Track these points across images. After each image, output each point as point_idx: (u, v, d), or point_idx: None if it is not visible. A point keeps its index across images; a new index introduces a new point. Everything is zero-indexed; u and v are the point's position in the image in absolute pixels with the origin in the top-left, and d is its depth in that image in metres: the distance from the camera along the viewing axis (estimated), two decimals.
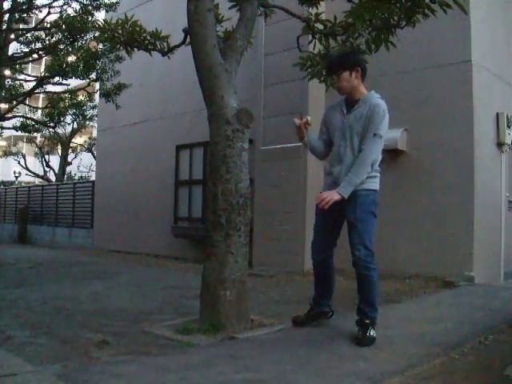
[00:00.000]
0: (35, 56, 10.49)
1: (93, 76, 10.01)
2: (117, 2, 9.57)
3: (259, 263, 7.79)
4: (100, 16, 9.57)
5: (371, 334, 3.30)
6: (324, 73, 5.17)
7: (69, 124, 16.36)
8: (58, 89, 11.17)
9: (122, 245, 11.43)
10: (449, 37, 6.52)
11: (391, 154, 6.93)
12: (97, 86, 11.57)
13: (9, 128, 12.27)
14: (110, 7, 9.49)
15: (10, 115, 11.25)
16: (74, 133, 21.95)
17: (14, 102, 10.87)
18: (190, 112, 9.85)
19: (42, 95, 15.10)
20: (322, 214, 3.47)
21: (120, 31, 5.04)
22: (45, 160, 24.37)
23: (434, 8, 4.34)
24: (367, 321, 3.33)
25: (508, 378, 2.74)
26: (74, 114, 11.91)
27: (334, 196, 3.28)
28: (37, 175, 25.48)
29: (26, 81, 11.05)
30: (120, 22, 5.04)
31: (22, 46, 10.14)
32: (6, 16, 9.58)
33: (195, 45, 4.08)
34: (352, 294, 4.68)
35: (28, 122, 11.92)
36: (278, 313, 4.50)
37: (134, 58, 5.83)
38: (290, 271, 7.05)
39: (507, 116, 6.89)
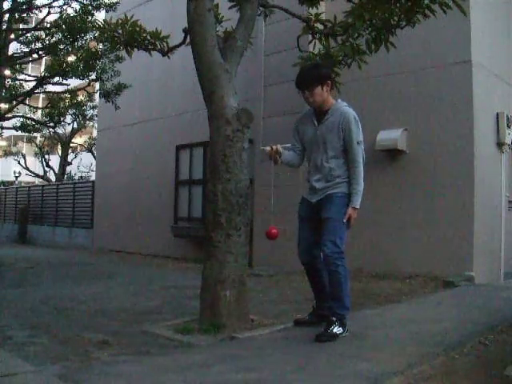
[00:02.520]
0: (35, 56, 10.49)
1: (93, 76, 10.01)
2: (117, 2, 9.57)
3: (259, 263, 7.79)
4: (100, 16, 9.56)
5: (334, 330, 3.35)
6: None
7: (69, 124, 16.38)
8: (58, 89, 11.17)
9: (122, 245, 11.43)
10: (449, 37, 6.51)
11: (391, 154, 6.94)
12: (97, 86, 11.57)
13: (9, 128, 12.27)
14: (110, 7, 9.49)
15: (10, 115, 11.25)
16: (73, 133, 21.96)
17: (14, 102, 10.86)
18: (189, 112, 9.85)
19: (42, 95, 15.09)
20: (304, 217, 3.67)
21: (120, 31, 5.04)
22: (45, 160, 24.37)
23: (433, 8, 4.34)
24: (333, 318, 3.39)
25: (508, 378, 2.74)
26: (73, 114, 11.92)
27: (355, 213, 3.46)
28: (37, 175, 25.48)
29: (26, 81, 11.05)
30: (120, 22, 5.05)
31: (21, 45, 10.14)
32: (6, 16, 9.58)
33: (195, 45, 4.08)
34: (352, 293, 4.67)
35: (28, 122, 11.92)
36: (278, 313, 4.50)
37: (133, 58, 5.83)
38: (290, 271, 7.05)
39: (507, 116, 6.89)
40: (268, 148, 3.55)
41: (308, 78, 3.55)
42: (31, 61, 11.56)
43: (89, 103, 13.29)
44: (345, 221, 3.42)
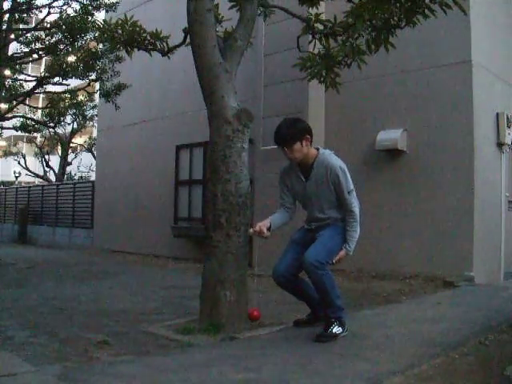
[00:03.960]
0: (35, 56, 10.50)
1: (93, 76, 10.02)
2: (117, 2, 9.57)
3: (259, 263, 7.78)
4: (100, 16, 9.57)
5: (333, 330, 3.35)
6: (324, 73, 5.17)
7: (69, 124, 16.39)
8: (58, 89, 11.17)
9: (122, 245, 11.43)
10: (449, 37, 6.51)
11: (391, 154, 6.94)
12: (97, 86, 11.57)
13: (9, 128, 12.28)
14: (110, 7, 9.50)
15: (10, 115, 11.25)
16: (73, 133, 21.95)
17: (14, 102, 10.86)
18: (189, 112, 9.84)
19: (42, 95, 15.10)
20: (296, 241, 3.66)
21: (120, 31, 5.04)
22: (45, 160, 24.36)
23: (433, 8, 4.34)
24: (331, 319, 3.39)
25: (508, 378, 2.74)
26: (73, 114, 11.93)
27: (344, 256, 3.46)
28: (37, 175, 25.47)
29: (26, 81, 11.05)
30: (120, 22, 5.05)
31: (21, 45, 10.14)
32: (6, 16, 9.58)
33: (195, 45, 4.08)
34: (353, 294, 4.69)
35: (28, 122, 11.92)
36: (278, 313, 4.50)
37: (133, 58, 5.83)
38: None
39: (507, 116, 6.89)
40: (251, 231, 3.54)
41: (286, 136, 3.48)
42: (31, 61, 11.55)
43: (89, 103, 13.29)
44: (334, 261, 3.40)
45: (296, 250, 3.58)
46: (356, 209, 3.46)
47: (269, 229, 3.52)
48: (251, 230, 3.54)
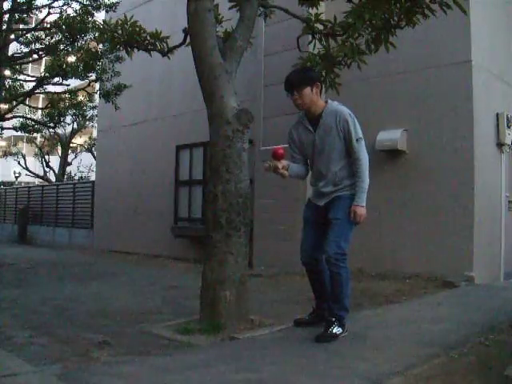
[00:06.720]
0: (35, 56, 10.48)
1: (93, 76, 10.01)
2: (117, 3, 9.56)
3: (259, 263, 7.79)
4: (100, 16, 9.57)
5: (333, 331, 3.35)
6: (324, 73, 5.18)
7: (69, 124, 16.37)
8: (58, 89, 11.16)
9: (122, 245, 11.43)
10: (449, 37, 6.51)
11: (391, 154, 6.94)
12: (97, 86, 11.57)
13: (9, 128, 12.25)
14: (110, 7, 9.49)
15: (9, 115, 11.24)
16: (73, 133, 21.96)
17: (14, 103, 10.85)
18: (190, 112, 9.85)
19: (42, 95, 15.09)
20: (310, 219, 3.64)
21: (120, 31, 5.04)
22: (45, 160, 24.37)
23: (433, 8, 4.35)
24: (332, 318, 3.39)
25: (508, 378, 2.73)
26: (73, 114, 11.91)
27: (362, 211, 3.40)
28: (37, 175, 25.47)
29: (25, 81, 11.04)
30: (120, 22, 5.05)
31: (21, 46, 10.13)
32: (6, 16, 9.58)
33: (195, 45, 4.08)
34: (353, 294, 4.68)
35: (28, 122, 11.90)
36: (278, 313, 4.50)
37: (134, 58, 5.83)
38: (290, 271, 7.05)
39: (507, 116, 6.89)
40: (266, 165, 3.44)
41: (297, 79, 3.57)
42: (31, 61, 11.53)
43: (89, 103, 13.28)
44: (351, 220, 3.40)
45: (313, 232, 3.59)
46: (363, 157, 3.42)
47: (286, 169, 3.48)
48: (266, 165, 3.43)
